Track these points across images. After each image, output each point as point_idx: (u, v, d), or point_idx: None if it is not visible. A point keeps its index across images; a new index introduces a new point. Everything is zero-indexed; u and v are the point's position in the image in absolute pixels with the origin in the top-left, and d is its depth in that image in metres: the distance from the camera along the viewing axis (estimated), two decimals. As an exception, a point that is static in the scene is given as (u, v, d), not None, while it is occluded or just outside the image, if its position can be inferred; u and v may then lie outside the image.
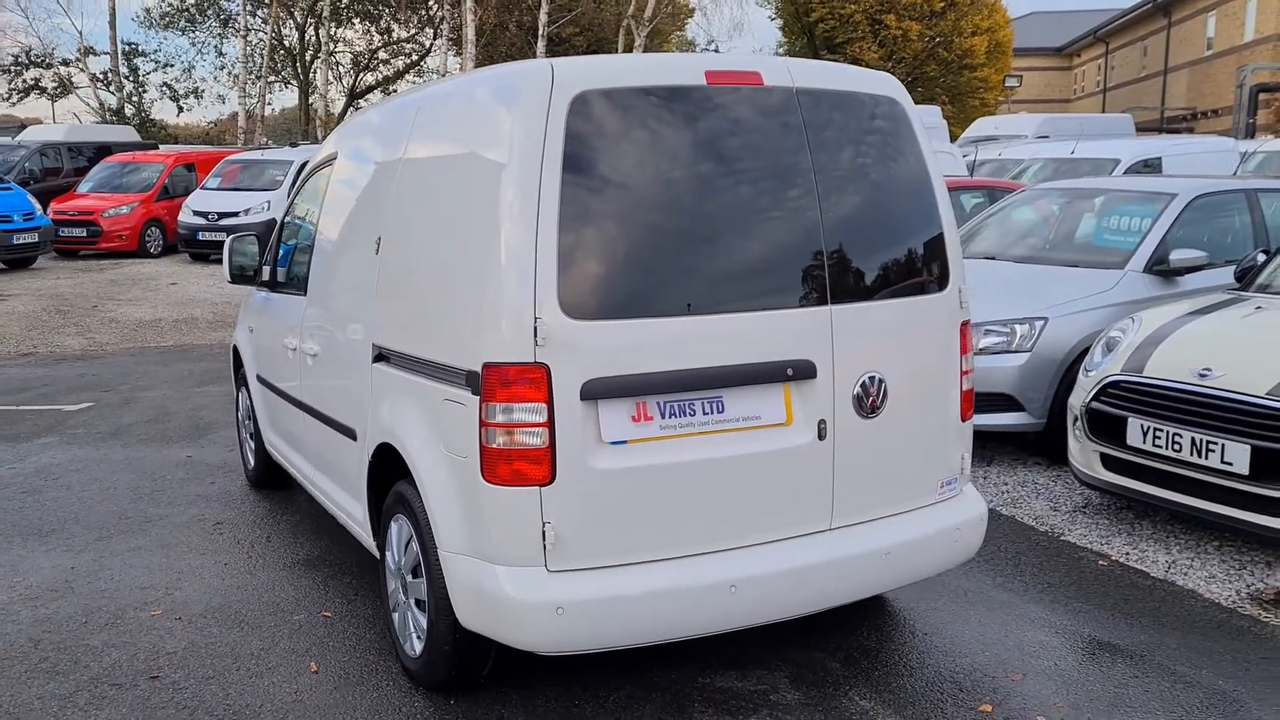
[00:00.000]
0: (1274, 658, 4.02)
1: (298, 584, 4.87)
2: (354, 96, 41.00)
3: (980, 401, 6.39)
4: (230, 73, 38.82)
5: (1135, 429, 5.14)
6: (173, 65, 40.59)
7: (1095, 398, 5.39)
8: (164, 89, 38.81)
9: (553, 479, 3.21)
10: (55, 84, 36.66)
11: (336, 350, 4.48)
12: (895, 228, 3.76)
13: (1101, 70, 47.53)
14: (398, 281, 3.90)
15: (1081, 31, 48.36)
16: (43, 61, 36.28)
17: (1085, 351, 6.01)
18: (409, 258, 3.84)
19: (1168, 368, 5.12)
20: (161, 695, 3.84)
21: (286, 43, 39.72)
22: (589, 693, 3.78)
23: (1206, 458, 4.82)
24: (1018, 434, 6.65)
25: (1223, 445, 4.76)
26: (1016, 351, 6.41)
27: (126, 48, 36.69)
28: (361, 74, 41.84)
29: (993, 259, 7.52)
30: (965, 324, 3.92)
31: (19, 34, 48.54)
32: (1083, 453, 5.52)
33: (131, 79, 36.75)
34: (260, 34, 37.12)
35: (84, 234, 19.74)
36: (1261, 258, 6.29)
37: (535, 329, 3.16)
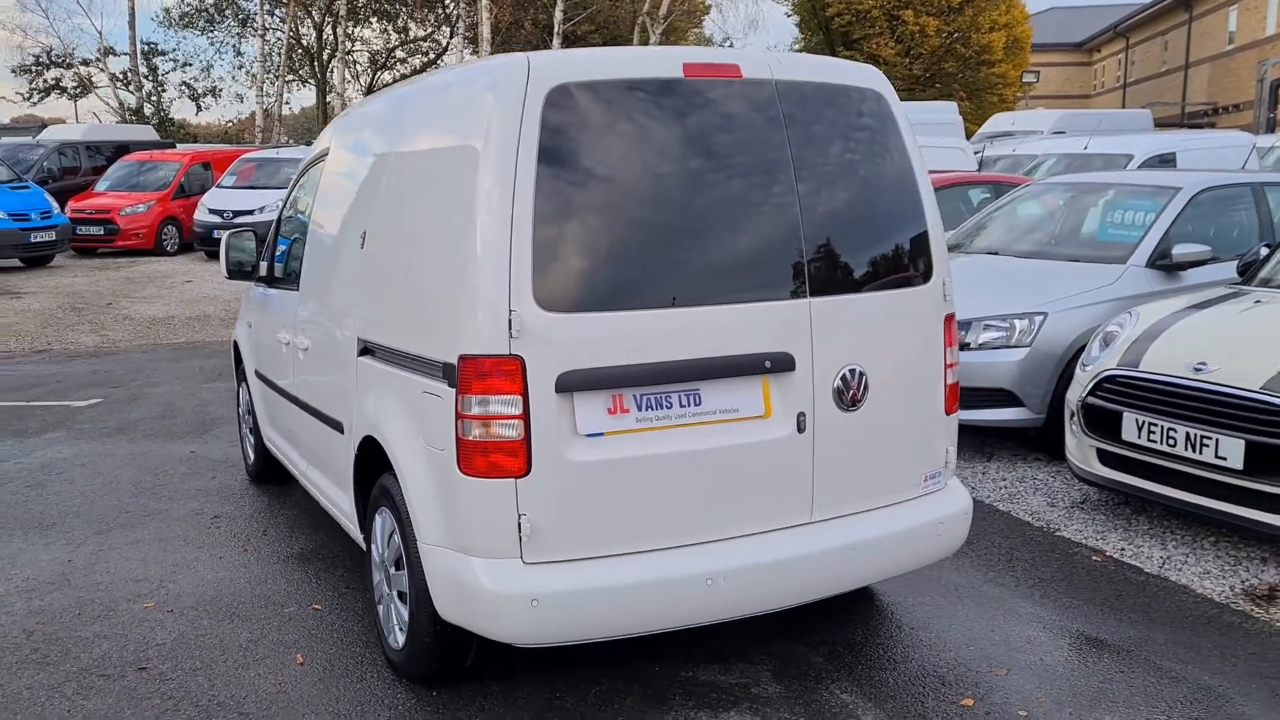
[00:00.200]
0: (1262, 653, 3.99)
1: (290, 577, 4.90)
2: (371, 95, 41.18)
3: (979, 397, 6.39)
4: (248, 72, 39.07)
5: (1130, 424, 5.11)
6: (191, 65, 40.81)
7: (1091, 392, 5.36)
8: (183, 88, 39.13)
9: (528, 471, 3.22)
10: (75, 84, 37.03)
11: (326, 344, 4.51)
12: (877, 221, 3.75)
13: (1122, 65, 47.18)
14: (381, 275, 3.92)
15: (1101, 26, 48.02)
16: (63, 61, 36.64)
17: (1085, 347, 5.97)
18: (391, 251, 3.86)
19: (1163, 362, 5.08)
20: (148, 686, 3.87)
21: (304, 42, 39.92)
22: (570, 685, 3.79)
23: (1201, 452, 4.79)
24: (1018, 430, 6.62)
25: (1217, 440, 4.72)
26: (1016, 346, 6.38)
27: (145, 47, 37.01)
28: (379, 72, 42.02)
29: (995, 254, 7.49)
30: (950, 317, 3.91)
31: (40, 34, 48.92)
32: (1079, 448, 5.49)
33: (150, 78, 37.05)
34: (278, 33, 37.31)
35: (101, 232, 19.92)
36: (1265, 251, 6.23)
37: (510, 321, 3.17)
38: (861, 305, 3.65)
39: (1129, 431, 5.11)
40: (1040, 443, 6.60)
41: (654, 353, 3.32)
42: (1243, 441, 4.63)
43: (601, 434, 3.29)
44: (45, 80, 36.90)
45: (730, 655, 4.00)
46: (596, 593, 3.25)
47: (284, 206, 5.69)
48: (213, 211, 19.30)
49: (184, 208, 20.63)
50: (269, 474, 6.21)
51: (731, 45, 37.66)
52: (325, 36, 39.51)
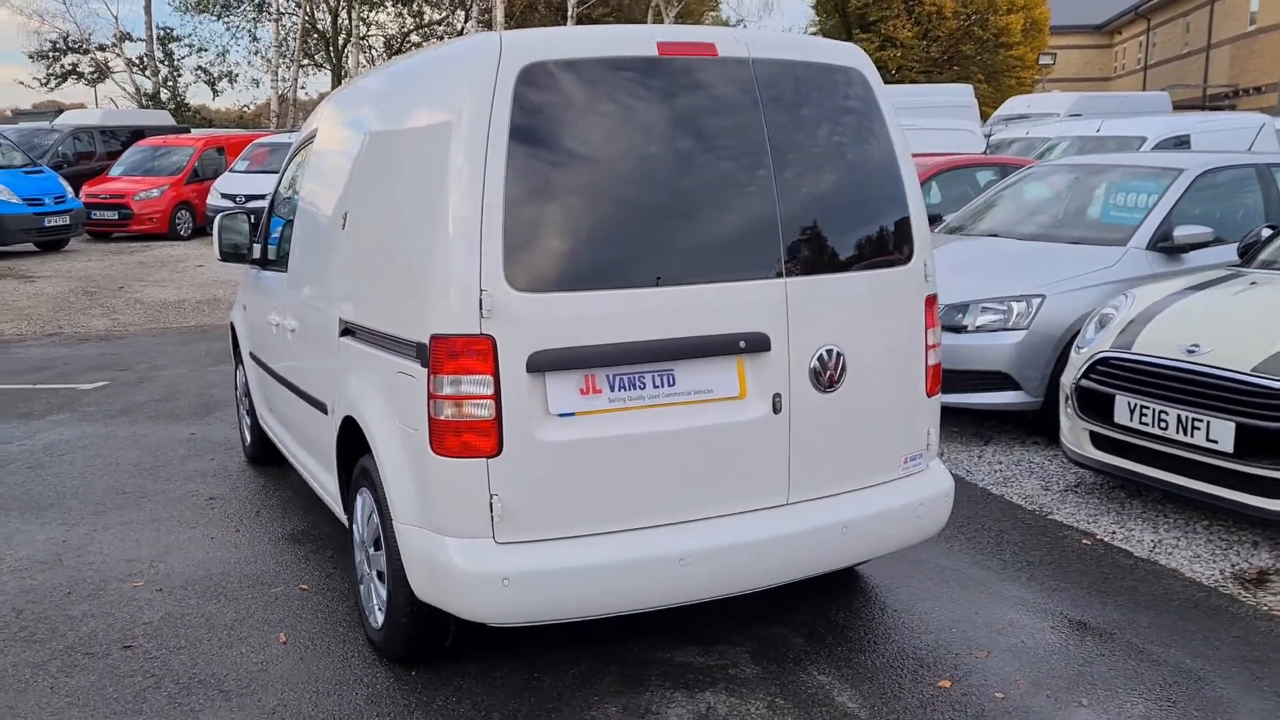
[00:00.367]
0: (1246, 637, 3.97)
1: (280, 558, 4.93)
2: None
3: (976, 379, 6.37)
4: (263, 57, 39.15)
5: (1123, 406, 5.07)
6: (207, 50, 40.91)
7: (1085, 375, 5.32)
8: (199, 73, 39.26)
9: (500, 451, 3.22)
10: (92, 69, 37.20)
11: (311, 326, 4.52)
12: (855, 201, 3.72)
13: (1143, 47, 46.70)
14: (360, 256, 3.93)
15: (1122, 8, 47.50)
16: (80, 47, 36.82)
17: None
18: (370, 232, 3.86)
19: (1156, 344, 5.04)
20: (131, 664, 3.90)
21: (319, 26, 39.95)
22: (548, 665, 3.80)
23: (1192, 435, 4.75)
24: (1016, 413, 6.58)
25: (1208, 423, 4.68)
26: (1013, 329, 6.34)
27: (161, 32, 37.12)
28: (394, 57, 42.01)
29: (995, 236, 7.44)
30: (931, 298, 3.88)
31: (56, 19, 49.15)
32: (1073, 431, 5.46)
33: (166, 63, 37.19)
34: (293, 18, 37.36)
35: (115, 217, 20.04)
36: (1266, 233, 6.17)
37: (481, 301, 3.17)
38: (839, 286, 3.63)
39: (1121, 414, 5.07)
40: (1038, 426, 6.56)
41: (627, 333, 3.31)
42: (1233, 424, 4.59)
43: (573, 414, 3.29)
44: (62, 66, 37.12)
45: (710, 637, 4.00)
46: (568, 573, 3.26)
47: (277, 188, 5.70)
48: (225, 196, 19.38)
49: (197, 192, 20.73)
50: (265, 456, 6.24)
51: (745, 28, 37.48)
52: (340, 21, 39.55)
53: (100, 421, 7.63)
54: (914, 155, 9.73)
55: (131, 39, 37.17)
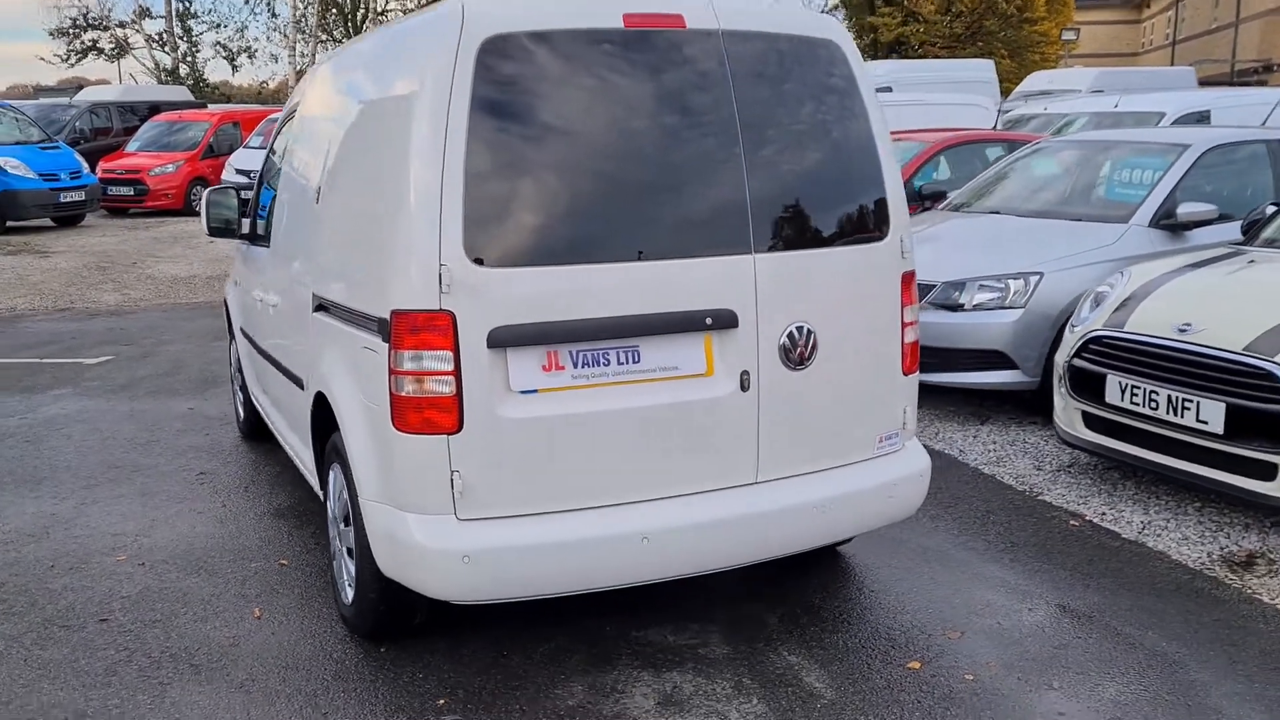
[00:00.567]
0: (1227, 620, 3.91)
1: (264, 533, 4.94)
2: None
3: (972, 358, 6.31)
4: (282, 32, 39.13)
5: (1114, 386, 4.99)
6: (226, 25, 40.91)
7: (1077, 354, 5.24)
8: (217, 49, 39.29)
9: (460, 428, 3.20)
10: (112, 45, 37.32)
11: (289, 301, 4.51)
12: (828, 176, 3.66)
13: (1171, 22, 45.99)
14: (333, 230, 3.91)
15: (1151, -18, 46.80)
16: (100, 23, 36.93)
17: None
18: (340, 205, 3.84)
19: (1149, 323, 4.96)
20: (105, 638, 3.92)
21: (339, 1, 39.86)
22: (518, 643, 3.79)
23: (1182, 416, 4.67)
24: (1016, 393, 6.50)
25: (1198, 403, 4.61)
26: (1010, 308, 6.26)
27: (180, 8, 37.15)
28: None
29: (997, 213, 7.33)
30: (909, 275, 3.82)
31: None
32: (1066, 411, 5.38)
33: (185, 39, 37.25)
34: (312, -8, 37.32)
35: (131, 192, 20.12)
36: (1270, 210, 6.05)
37: (441, 275, 3.13)
38: (810, 262, 3.57)
39: (1113, 394, 5.00)
40: (1036, 406, 6.48)
41: (591, 309, 3.27)
42: (1223, 404, 4.51)
43: (535, 390, 3.26)
44: (82, 42, 37.25)
45: (684, 616, 3.98)
46: (529, 550, 3.24)
47: (265, 161, 5.68)
48: (240, 171, 19.39)
49: (213, 168, 20.77)
50: (258, 431, 6.24)
51: None
52: (359, -5, 39.48)
53: (101, 396, 7.67)
54: (924, 131, 9.57)
55: (151, 15, 37.27)
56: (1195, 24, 43.11)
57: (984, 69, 22.29)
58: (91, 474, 5.84)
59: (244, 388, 6.20)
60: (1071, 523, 4.88)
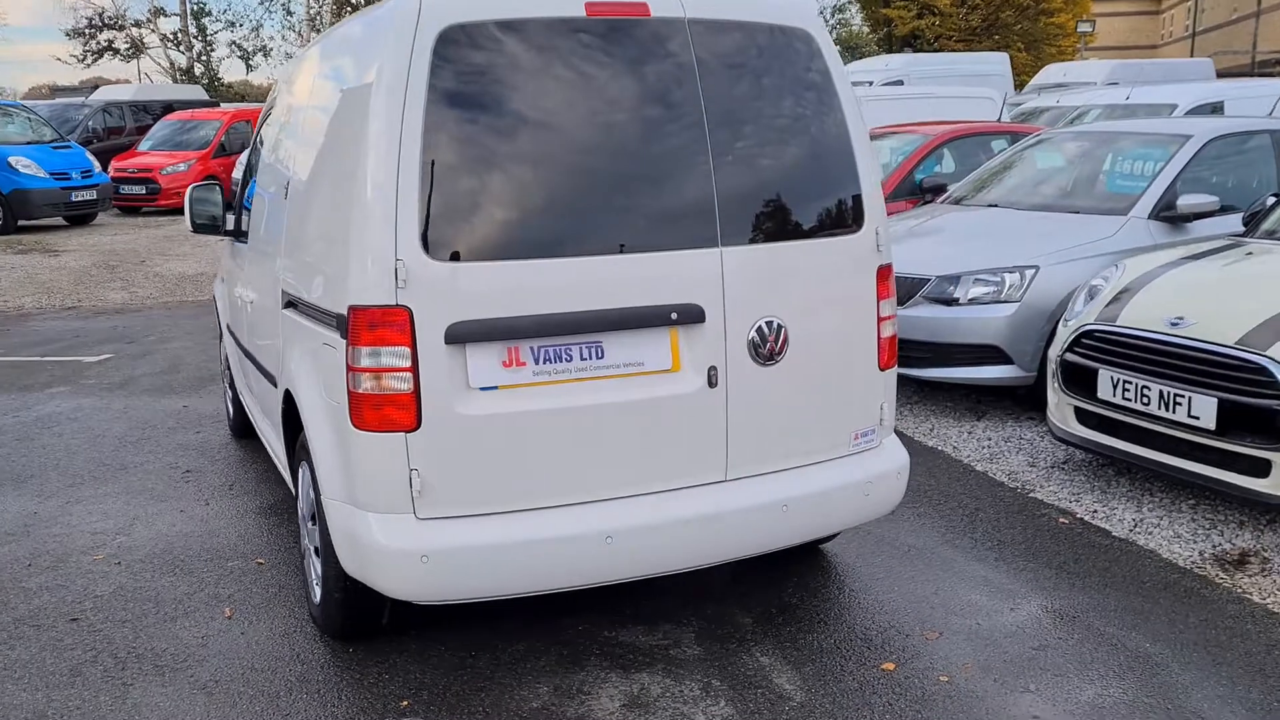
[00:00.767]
0: (1213, 620, 3.81)
1: (244, 532, 4.90)
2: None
3: (967, 353, 6.21)
4: (297, 31, 39.23)
5: (1106, 381, 4.89)
6: (241, 24, 41.00)
7: (1069, 348, 5.14)
8: (232, 47, 39.43)
9: (418, 425, 3.14)
10: (128, 45, 37.50)
11: (264, 297, 4.47)
12: (799, 167, 3.58)
13: (1190, 14, 45.52)
14: (299, 225, 3.86)
15: (1170, -27, 46.34)
16: (115, 23, 37.11)
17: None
18: (306, 200, 3.79)
19: (1141, 317, 4.85)
20: (74, 637, 3.89)
21: (353, 0, 39.92)
22: (487, 643, 3.73)
23: (1174, 411, 4.57)
24: (1013, 388, 6.40)
25: (1190, 398, 4.50)
26: (1005, 302, 6.15)
27: (195, 7, 37.30)
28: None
29: (995, 206, 7.23)
30: (885, 268, 3.73)
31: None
32: (1059, 407, 5.28)
33: (200, 38, 37.40)
34: (327, -8, 37.39)
35: (143, 191, 20.18)
36: (1271, 201, 5.93)
37: (397, 270, 3.08)
38: (780, 255, 3.49)
39: (1104, 389, 4.90)
40: (1033, 402, 6.38)
41: (553, 304, 3.21)
42: (1215, 400, 4.41)
43: (495, 387, 3.20)
44: (98, 42, 37.44)
45: (658, 616, 3.91)
46: (488, 550, 3.18)
47: (249, 154, 5.64)
48: (250, 170, 19.41)
49: (225, 166, 20.77)
50: (247, 429, 6.20)
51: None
52: (374, -6, 39.43)
53: (97, 394, 7.66)
54: (926, 124, 9.45)
55: (165, 14, 37.43)
56: (1215, 15, 42.66)
57: (998, 62, 22.11)
58: (78, 472, 5.82)
59: (232, 385, 6.17)
60: (1061, 520, 4.78)
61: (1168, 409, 4.59)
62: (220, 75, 37.66)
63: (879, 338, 3.73)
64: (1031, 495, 5.12)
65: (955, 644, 3.68)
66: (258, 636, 3.86)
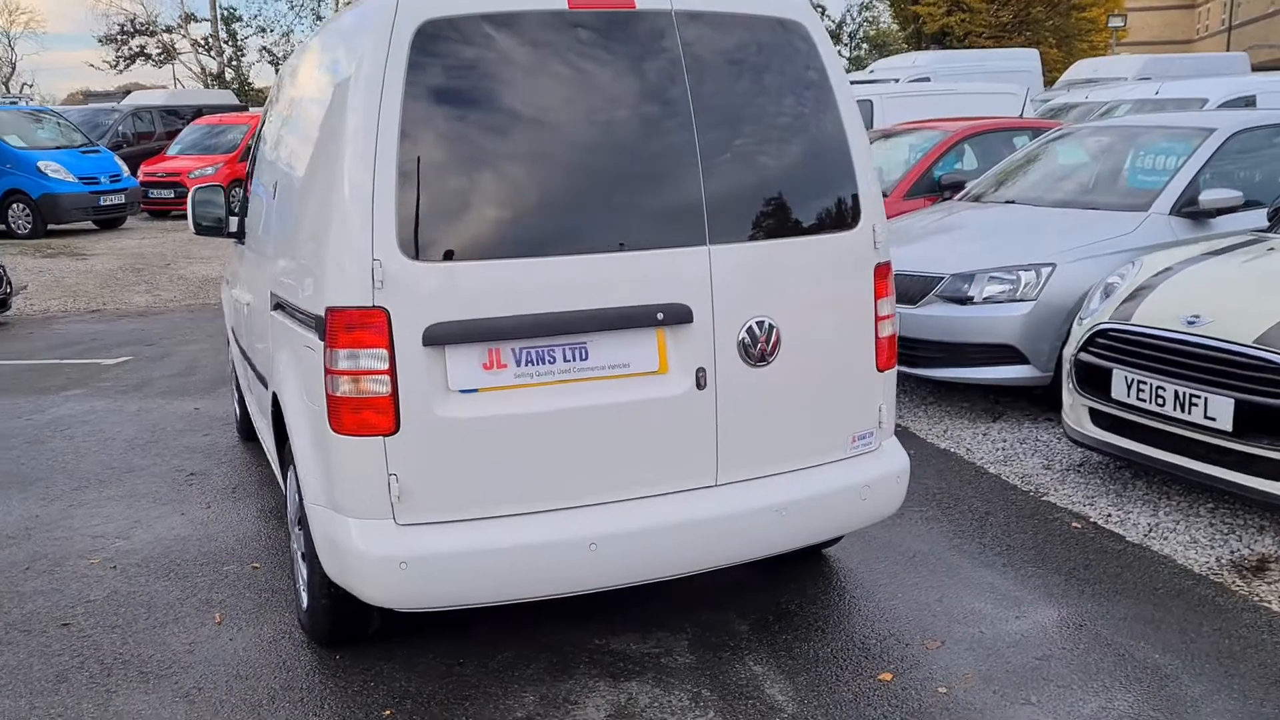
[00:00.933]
0: (1228, 630, 3.67)
1: (243, 535, 4.86)
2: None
3: (982, 353, 6.08)
4: (327, 35, 39.34)
5: (1120, 381, 4.75)
6: (271, 30, 41.32)
7: (1084, 348, 5.00)
8: (263, 53, 39.74)
9: (397, 429, 3.07)
10: (159, 51, 37.89)
11: (256, 299, 4.43)
12: (791, 163, 3.48)
13: (1227, 8, 44.80)
14: (286, 224, 3.80)
15: (1206, -34, 45.64)
16: (147, 29, 37.50)
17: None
18: (291, 200, 3.74)
19: (1157, 315, 4.71)
20: (62, 642, 3.85)
21: (382, 4, 40.08)
22: (476, 651, 3.66)
23: (1190, 412, 4.42)
24: (1029, 388, 6.25)
25: (1206, 399, 4.35)
26: (1021, 300, 6.01)
27: (225, 13, 37.66)
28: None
29: (1012, 203, 7.08)
30: (883, 266, 3.62)
31: (124, 1, 50.08)
32: (1073, 408, 5.14)
33: (230, 44, 37.72)
34: (356, -4, 37.50)
35: (172, 195, 20.30)
36: (1297, 195, 5.75)
37: (374, 271, 3.01)
38: (771, 253, 3.39)
39: (1119, 390, 4.76)
40: (1052, 402, 6.22)
41: (535, 304, 3.13)
42: (1232, 400, 4.26)
43: (476, 390, 3.12)
44: (130, 48, 37.86)
45: (652, 623, 3.83)
46: (467, 557, 3.10)
47: (253, 153, 5.61)
48: (276, 173, 19.51)
49: (251, 170, 20.91)
50: (252, 432, 6.18)
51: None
52: None
53: (111, 396, 7.68)
54: (945, 120, 9.27)
55: (196, 20, 37.80)
56: (1252, 8, 41.97)
57: (1027, 58, 21.82)
58: (85, 475, 5.81)
59: (239, 387, 6.15)
60: (1074, 525, 4.65)
61: (1183, 410, 4.45)
62: (250, 80, 37.95)
63: (877, 338, 3.62)
64: (1044, 499, 4.98)
65: (956, 653, 3.57)
66: (245, 643, 3.80)
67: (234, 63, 37.61)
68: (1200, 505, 4.80)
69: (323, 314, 3.11)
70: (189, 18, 37.18)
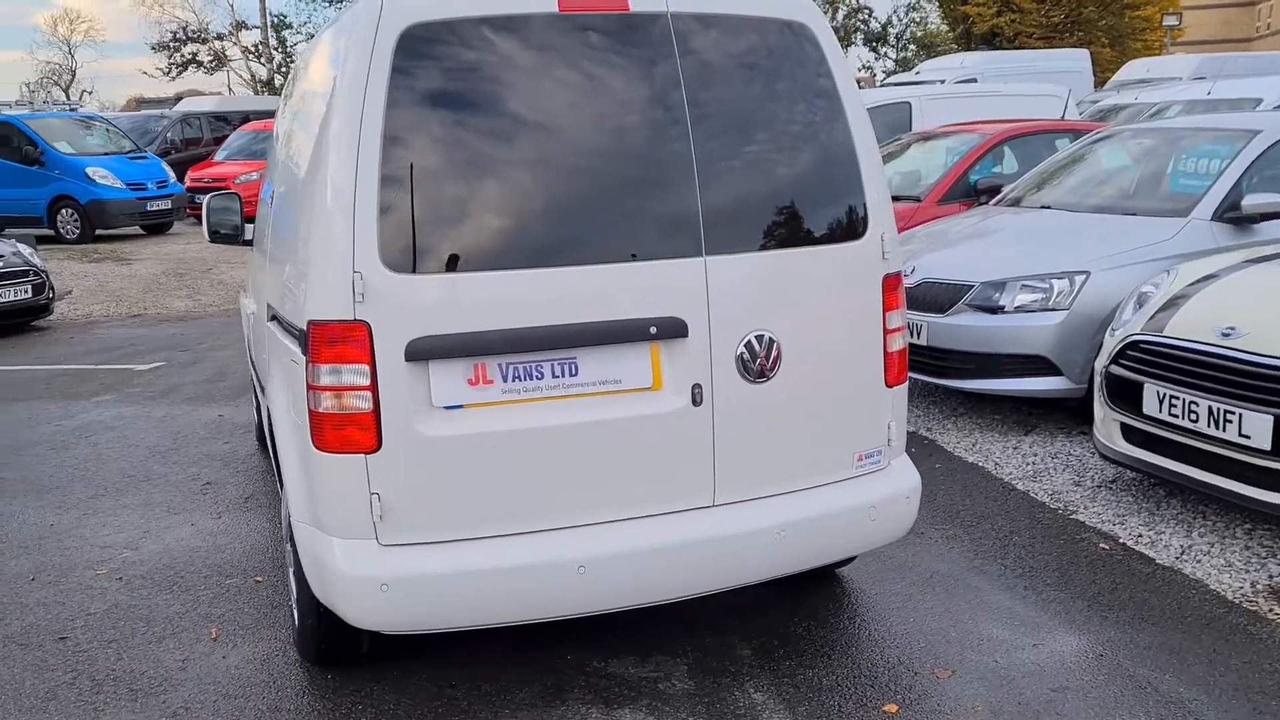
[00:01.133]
0: (1259, 663, 3.47)
1: (250, 547, 4.81)
2: None
3: (1013, 364, 5.88)
4: (375, 41, 39.69)
5: (1151, 396, 4.54)
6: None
7: (1115, 360, 4.80)
8: (312, 59, 40.06)
9: (379, 446, 2.98)
10: (210, 58, 38.46)
11: (258, 308, 4.37)
12: (794, 171, 3.34)
13: (1289, 5, 43.73)
14: (279, 236, 3.74)
15: (1267, -37, 44.57)
16: (198, 36, 38.08)
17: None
18: (282, 208, 3.67)
19: (1191, 326, 4.50)
20: (58, 657, 3.81)
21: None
22: (469, 675, 3.56)
23: (1224, 429, 4.21)
24: (1063, 401, 6.04)
25: (1241, 415, 4.14)
26: (1054, 309, 5.80)
27: (275, 20, 38.12)
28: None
29: (1048, 208, 6.86)
30: (892, 277, 3.47)
31: (175, 8, 50.85)
32: (1104, 423, 4.94)
33: (280, 50, 38.18)
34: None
35: (217, 200, 20.52)
36: (1347, 201, 5.50)
37: (354, 283, 2.92)
38: (771, 265, 3.26)
39: (1150, 404, 4.55)
40: (1086, 415, 6.00)
41: (523, 318, 3.02)
42: (1271, 418, 4.05)
43: (461, 406, 3.02)
44: (182, 55, 38.45)
45: (653, 645, 3.70)
46: (451, 579, 3.00)
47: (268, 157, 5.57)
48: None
49: (295, 175, 21.09)
50: (270, 440, 6.16)
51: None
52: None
53: (139, 403, 7.71)
54: (984, 123, 9.00)
55: (247, 27, 38.30)
56: (1315, 6, 40.88)
57: (1077, 59, 21.39)
58: (103, 483, 5.81)
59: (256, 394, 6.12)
60: (1101, 546, 4.45)
61: (1217, 427, 4.24)
62: (299, 86, 38.37)
63: (885, 352, 3.47)
64: (1073, 517, 4.78)
65: (967, 684, 3.40)
66: (238, 660, 3.74)
67: (283, 69, 38.02)
68: (1237, 527, 4.58)
69: (305, 327, 3.02)
70: (240, 25, 37.78)
